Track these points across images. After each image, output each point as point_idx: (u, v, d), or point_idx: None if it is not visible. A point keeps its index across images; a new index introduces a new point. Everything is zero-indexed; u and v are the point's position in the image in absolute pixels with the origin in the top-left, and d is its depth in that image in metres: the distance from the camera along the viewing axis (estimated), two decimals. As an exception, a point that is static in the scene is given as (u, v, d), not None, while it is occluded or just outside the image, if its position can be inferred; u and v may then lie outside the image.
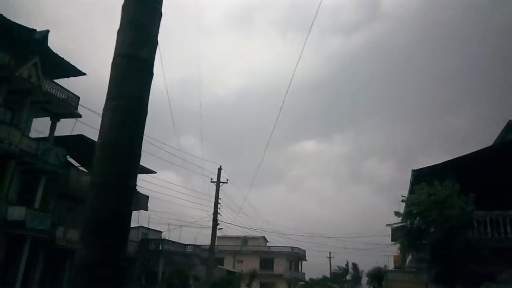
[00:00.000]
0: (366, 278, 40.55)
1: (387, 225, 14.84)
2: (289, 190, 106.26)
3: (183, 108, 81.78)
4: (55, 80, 24.12)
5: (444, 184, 12.09)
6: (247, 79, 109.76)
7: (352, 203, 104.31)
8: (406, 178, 16.31)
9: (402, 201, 13.59)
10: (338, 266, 57.15)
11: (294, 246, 58.60)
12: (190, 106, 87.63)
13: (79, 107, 24.89)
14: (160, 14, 3.96)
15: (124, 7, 3.79)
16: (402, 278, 29.30)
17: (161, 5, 3.95)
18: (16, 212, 20.44)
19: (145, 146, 3.83)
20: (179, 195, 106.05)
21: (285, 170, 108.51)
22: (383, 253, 70.31)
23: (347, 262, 55.79)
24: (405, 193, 14.55)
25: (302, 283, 52.83)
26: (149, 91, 3.71)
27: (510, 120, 15.79)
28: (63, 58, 23.25)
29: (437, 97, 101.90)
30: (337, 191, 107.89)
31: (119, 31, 3.74)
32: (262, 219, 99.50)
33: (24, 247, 20.97)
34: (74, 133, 24.89)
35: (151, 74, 3.75)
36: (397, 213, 13.78)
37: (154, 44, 3.84)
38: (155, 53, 3.84)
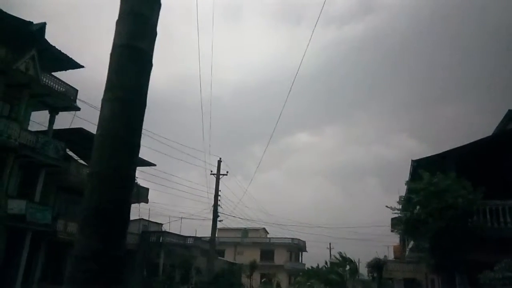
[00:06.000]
0: (366, 269, 40.67)
1: (387, 207, 14.45)
2: (288, 181, 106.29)
3: (180, 103, 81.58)
4: (53, 73, 24.01)
5: (446, 174, 12.07)
6: (240, 73, 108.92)
7: (350, 194, 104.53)
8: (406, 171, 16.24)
9: (406, 196, 13.49)
10: (336, 255, 56.18)
11: (294, 237, 58.88)
12: (186, 101, 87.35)
13: (77, 100, 24.85)
14: (159, 5, 3.91)
15: (122, -3, 3.75)
16: (402, 268, 29.42)
17: (160, -4, 3.91)
18: (16, 206, 20.47)
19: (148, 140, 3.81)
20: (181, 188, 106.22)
21: (281, 162, 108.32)
22: (383, 244, 70.93)
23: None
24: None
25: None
26: (148, 82, 3.68)
27: (510, 110, 15.73)
28: (60, 51, 23.06)
29: (436, 87, 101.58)
30: (333, 183, 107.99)
31: (118, 22, 3.69)
32: (262, 211, 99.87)
33: (25, 240, 21.04)
34: (73, 126, 24.84)
35: (150, 65, 3.71)
36: (397, 202, 13.70)
37: (153, 35, 3.79)
38: (154, 44, 3.80)
